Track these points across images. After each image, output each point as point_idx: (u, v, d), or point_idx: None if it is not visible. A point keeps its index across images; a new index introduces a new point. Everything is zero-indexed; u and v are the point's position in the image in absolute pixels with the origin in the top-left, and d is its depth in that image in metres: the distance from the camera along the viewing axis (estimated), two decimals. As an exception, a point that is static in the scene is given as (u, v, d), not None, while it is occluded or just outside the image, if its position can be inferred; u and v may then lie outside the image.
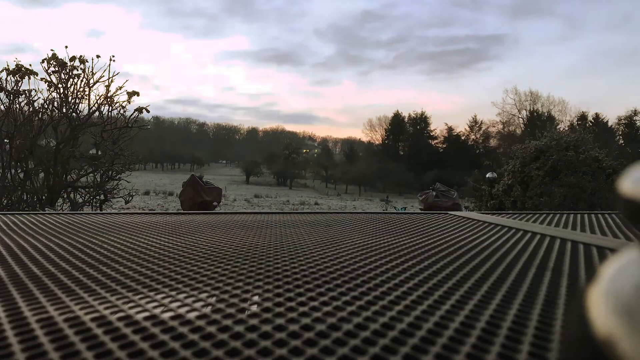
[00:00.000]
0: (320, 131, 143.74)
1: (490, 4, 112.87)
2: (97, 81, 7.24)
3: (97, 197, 7.29)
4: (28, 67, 6.71)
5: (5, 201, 6.38)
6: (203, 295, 0.61)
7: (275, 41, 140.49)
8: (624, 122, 42.76)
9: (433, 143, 55.31)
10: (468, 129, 53.72)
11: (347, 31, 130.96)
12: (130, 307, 0.55)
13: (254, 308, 0.56)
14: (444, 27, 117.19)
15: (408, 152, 54.70)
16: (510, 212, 2.05)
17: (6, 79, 6.61)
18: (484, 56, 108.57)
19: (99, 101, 7.24)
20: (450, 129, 54.28)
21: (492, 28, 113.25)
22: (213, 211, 2.03)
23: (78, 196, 7.20)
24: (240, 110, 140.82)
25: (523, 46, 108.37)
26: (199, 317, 0.51)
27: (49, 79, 6.92)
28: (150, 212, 1.94)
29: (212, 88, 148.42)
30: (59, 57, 6.92)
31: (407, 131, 56.29)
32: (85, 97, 7.21)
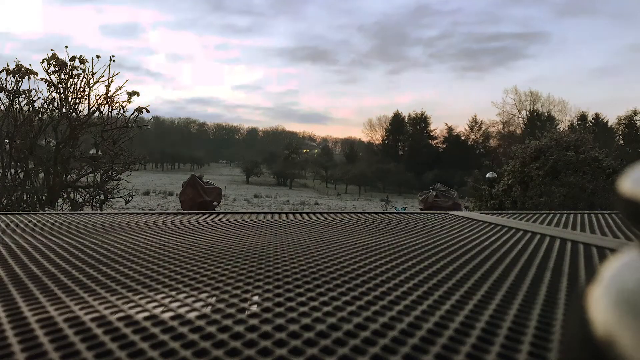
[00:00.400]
0: (333, 132, 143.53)
1: (543, 2, 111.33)
2: (97, 81, 7.24)
3: (97, 197, 7.29)
4: (28, 67, 6.72)
5: (5, 201, 6.39)
6: (203, 295, 0.61)
7: (315, 39, 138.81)
8: (624, 122, 42.77)
9: (433, 143, 55.36)
10: (468, 129, 53.79)
11: (392, 28, 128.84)
12: (130, 307, 0.55)
13: (254, 308, 0.56)
14: (489, 24, 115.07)
15: (408, 152, 54.75)
16: (510, 212, 2.05)
17: (6, 79, 6.62)
18: (520, 54, 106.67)
19: (99, 101, 7.25)
20: (450, 129, 54.36)
21: (536, 26, 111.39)
22: (213, 211, 2.03)
23: (78, 196, 7.20)
24: (260, 109, 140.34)
25: (561, 45, 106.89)
26: (199, 317, 0.51)
27: (49, 79, 6.93)
28: (150, 212, 1.94)
29: (239, 87, 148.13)
30: (59, 57, 6.92)
31: (407, 131, 56.32)
32: (85, 97, 7.22)
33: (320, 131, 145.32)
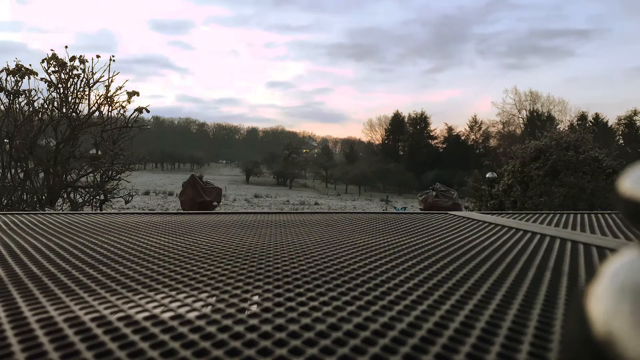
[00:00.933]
0: (353, 132, 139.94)
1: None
2: (97, 81, 7.24)
3: (97, 197, 7.29)
4: (28, 67, 6.72)
5: (5, 201, 6.38)
6: (203, 295, 0.61)
7: (371, 35, 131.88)
8: (624, 122, 42.75)
9: (433, 143, 55.37)
10: (468, 129, 53.81)
11: (456, 22, 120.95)
12: (130, 307, 0.55)
13: (254, 308, 0.56)
14: (556, 20, 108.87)
15: (408, 152, 54.75)
16: (510, 212, 2.05)
17: (6, 79, 6.62)
18: (570, 53, 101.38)
19: (99, 101, 7.25)
20: (450, 129, 54.39)
21: (600, 23, 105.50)
22: (213, 211, 2.03)
23: (78, 196, 7.19)
24: (287, 109, 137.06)
25: (619, 42, 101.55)
26: (199, 317, 0.51)
27: (49, 79, 6.92)
28: (150, 212, 1.94)
29: (273, 85, 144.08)
30: (59, 57, 6.92)
31: (407, 131, 56.32)
32: (85, 97, 7.22)
33: (339, 132, 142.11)
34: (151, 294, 0.61)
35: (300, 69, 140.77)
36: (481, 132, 53.14)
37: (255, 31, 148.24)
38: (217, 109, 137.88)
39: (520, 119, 49.02)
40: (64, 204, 7.02)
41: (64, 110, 7.02)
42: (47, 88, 6.93)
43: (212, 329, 0.48)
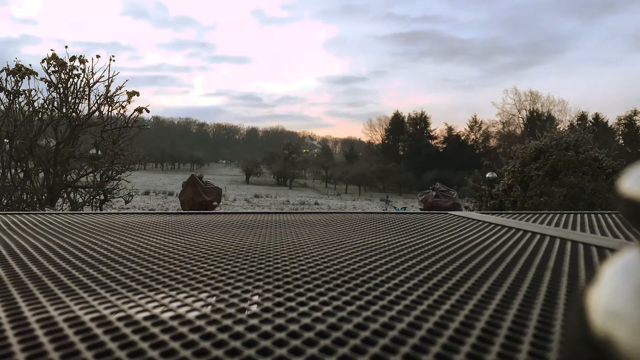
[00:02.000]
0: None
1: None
2: (97, 81, 7.24)
3: (97, 197, 7.29)
4: (28, 67, 6.72)
5: (5, 201, 6.39)
6: (203, 295, 0.61)
7: (493, 27, 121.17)
8: (624, 122, 42.72)
9: (433, 143, 55.43)
10: (468, 129, 53.84)
11: (592, 12, 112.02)
12: (130, 307, 0.55)
13: (254, 308, 0.56)
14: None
15: (408, 152, 54.81)
16: (510, 212, 2.05)
17: (6, 79, 6.62)
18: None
19: (99, 101, 7.25)
20: (450, 129, 54.45)
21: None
22: (213, 211, 2.03)
23: (78, 196, 7.20)
24: (335, 106, 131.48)
25: None
26: (199, 317, 0.51)
27: (49, 79, 6.93)
28: (150, 212, 1.94)
29: (340, 83, 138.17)
30: (59, 57, 6.92)
31: (407, 131, 56.37)
32: (85, 97, 7.22)
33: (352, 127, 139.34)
34: (151, 294, 0.61)
35: (379, 64, 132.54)
36: (481, 132, 53.20)
37: (355, 24, 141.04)
38: (272, 107, 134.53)
39: (520, 119, 49.04)
40: (64, 204, 7.02)
41: (64, 110, 7.02)
42: (47, 88, 6.93)
43: (212, 329, 0.48)
